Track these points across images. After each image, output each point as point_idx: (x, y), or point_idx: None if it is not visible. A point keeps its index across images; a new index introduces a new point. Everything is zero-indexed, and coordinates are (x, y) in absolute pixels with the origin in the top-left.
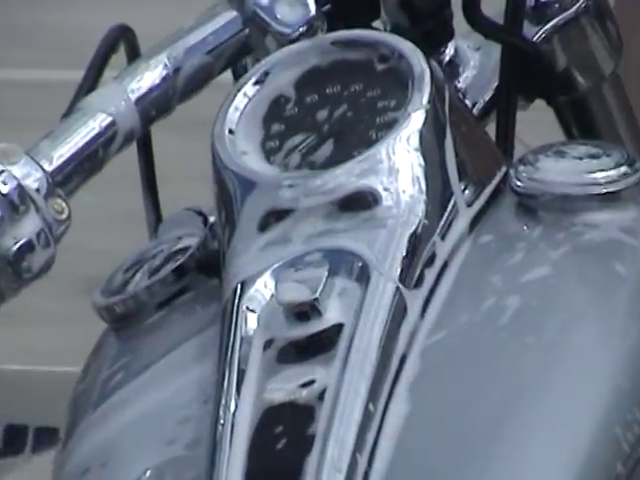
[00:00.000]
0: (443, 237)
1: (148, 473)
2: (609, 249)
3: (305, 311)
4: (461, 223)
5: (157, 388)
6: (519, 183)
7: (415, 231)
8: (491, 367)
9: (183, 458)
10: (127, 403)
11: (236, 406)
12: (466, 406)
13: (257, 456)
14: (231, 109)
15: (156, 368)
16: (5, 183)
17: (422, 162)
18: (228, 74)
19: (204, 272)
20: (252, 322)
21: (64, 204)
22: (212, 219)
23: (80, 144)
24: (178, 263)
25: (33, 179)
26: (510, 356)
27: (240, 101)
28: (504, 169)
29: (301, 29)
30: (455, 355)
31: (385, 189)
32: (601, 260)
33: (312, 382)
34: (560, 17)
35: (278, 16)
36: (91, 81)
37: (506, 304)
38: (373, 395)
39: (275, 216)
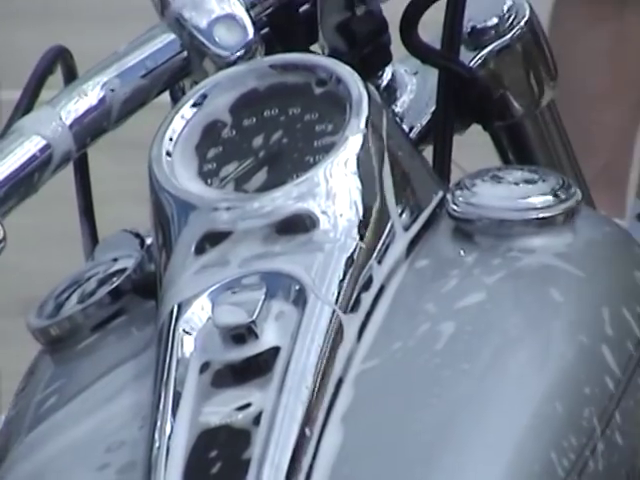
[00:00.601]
0: (380, 261)
1: None
2: (544, 275)
3: (242, 334)
4: (398, 247)
5: (90, 413)
6: (456, 207)
7: (352, 255)
8: (425, 393)
9: None
10: (59, 429)
11: (172, 429)
12: (401, 433)
13: (192, 479)
14: (168, 131)
15: (90, 392)
16: None
17: (359, 186)
18: (165, 96)
19: (140, 294)
20: (188, 345)
21: (0, 228)
22: (149, 241)
23: (15, 166)
24: (114, 285)
25: None
26: (444, 382)
27: (177, 123)
28: (441, 193)
29: (239, 52)
30: (390, 381)
31: (322, 212)
32: (536, 286)
33: (248, 405)
34: (496, 43)
35: (216, 39)
36: (27, 102)
37: (441, 330)
38: (309, 420)
39: (212, 239)
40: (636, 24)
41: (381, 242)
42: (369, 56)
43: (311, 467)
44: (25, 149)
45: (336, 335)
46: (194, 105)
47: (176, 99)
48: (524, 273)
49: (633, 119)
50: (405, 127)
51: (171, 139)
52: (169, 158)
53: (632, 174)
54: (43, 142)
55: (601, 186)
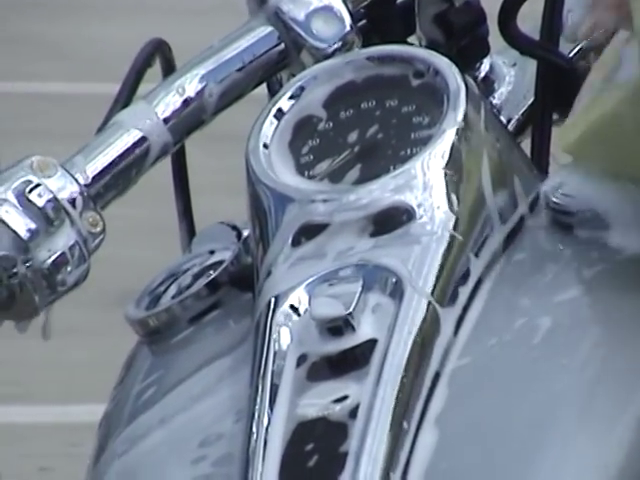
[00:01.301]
0: (477, 254)
1: None
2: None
3: (339, 326)
4: (495, 240)
5: (187, 406)
6: (555, 199)
7: (449, 247)
8: (523, 389)
9: (211, 476)
10: (157, 422)
11: (269, 421)
12: (498, 429)
13: (289, 472)
14: (266, 124)
15: (187, 385)
16: (40, 196)
17: (456, 178)
18: (262, 88)
19: (237, 286)
20: (285, 337)
21: (98, 217)
22: (245, 233)
23: (114, 158)
24: (211, 277)
25: (68, 192)
26: (542, 377)
27: (275, 116)
28: (539, 185)
29: (336, 44)
30: (486, 377)
31: (419, 205)
32: (637, 280)
33: (345, 398)
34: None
35: (314, 31)
36: (126, 95)
37: (538, 324)
38: (406, 413)
39: (309, 231)
40: None
41: (478, 235)
42: (467, 48)
43: (408, 461)
44: (124, 142)
45: (433, 328)
46: (291, 97)
47: (273, 92)
48: (623, 267)
49: None
50: (503, 119)
51: (268, 131)
52: (266, 151)
53: None
54: (140, 135)
55: None
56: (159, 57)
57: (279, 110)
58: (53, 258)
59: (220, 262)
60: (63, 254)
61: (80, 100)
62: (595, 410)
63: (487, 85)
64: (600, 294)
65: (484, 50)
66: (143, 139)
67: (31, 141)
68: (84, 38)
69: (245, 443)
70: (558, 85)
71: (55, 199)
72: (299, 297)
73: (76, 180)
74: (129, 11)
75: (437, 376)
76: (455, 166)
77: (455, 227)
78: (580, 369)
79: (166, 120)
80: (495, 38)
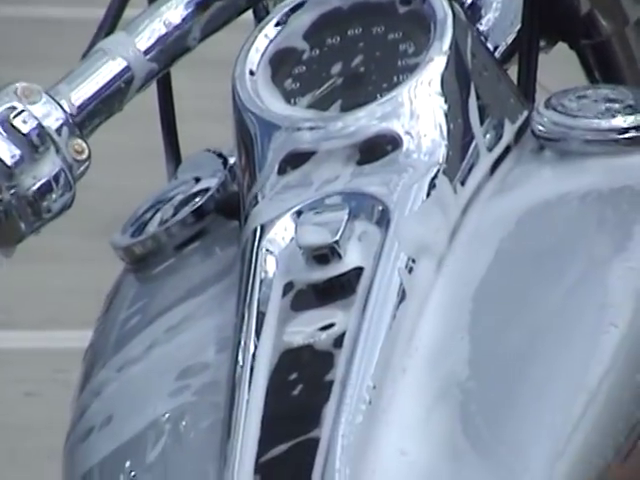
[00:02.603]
0: (463, 182)
1: (151, 424)
2: (630, 196)
3: (325, 254)
4: (482, 167)
5: (173, 335)
6: (541, 127)
7: (435, 175)
8: (511, 311)
9: (193, 404)
10: (142, 352)
11: (255, 349)
12: (488, 351)
13: (275, 400)
14: (252, 50)
15: (172, 314)
16: (25, 122)
17: (443, 106)
18: (248, 14)
19: (223, 214)
20: (271, 265)
21: (84, 144)
22: (232, 160)
23: (99, 85)
24: (197, 205)
25: (53, 119)
26: (530, 300)
27: (261, 42)
28: (526, 113)
29: None
30: (475, 300)
31: (406, 132)
32: (622, 206)
33: (331, 326)
34: None
35: None
36: (111, 22)
37: (525, 245)
38: (393, 341)
39: (295, 159)
40: None
41: (465, 162)
42: None
43: (394, 386)
44: (108, 69)
45: (420, 248)
46: (277, 24)
47: (260, 18)
48: (608, 193)
49: None
50: (490, 46)
51: (254, 58)
52: (253, 77)
53: None
54: (125, 64)
55: None
56: None
57: (265, 36)
58: (38, 185)
59: (206, 189)
60: (48, 181)
61: (62, 24)
62: (581, 333)
63: (474, 11)
64: (586, 220)
65: None
66: (127, 68)
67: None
68: None
69: (231, 371)
70: (545, 11)
71: (40, 126)
72: (285, 225)
73: (61, 107)
74: None
75: (424, 302)
76: (442, 94)
77: (442, 155)
78: (567, 293)
79: (150, 48)
80: None
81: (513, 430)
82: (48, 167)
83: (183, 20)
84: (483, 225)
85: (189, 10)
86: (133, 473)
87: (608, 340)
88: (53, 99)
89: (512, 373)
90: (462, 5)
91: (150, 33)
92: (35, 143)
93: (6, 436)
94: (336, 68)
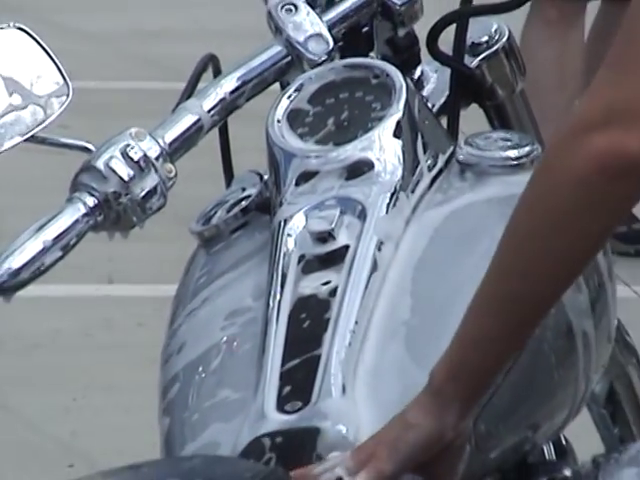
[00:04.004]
0: (413, 191)
1: (213, 346)
2: (513, 198)
3: (324, 237)
4: (424, 182)
5: (227, 289)
6: (462, 157)
7: (395, 186)
8: (448, 269)
9: (239, 334)
10: (206, 300)
11: (280, 297)
12: (431, 288)
13: (292, 330)
14: (279, 107)
15: (225, 276)
16: (136, 153)
17: (400, 142)
18: (276, 85)
19: (260, 211)
20: (291, 244)
21: (173, 167)
22: (266, 177)
23: (181, 130)
24: (243, 206)
25: (154, 151)
26: (458, 260)
27: (284, 102)
28: (452, 147)
29: (324, 57)
30: (423, 264)
31: (377, 159)
32: (510, 205)
33: (328, 282)
34: (487, 52)
35: (309, 49)
36: (190, 89)
37: (450, 232)
38: (369, 292)
39: (306, 176)
40: (574, 44)
41: (414, 178)
42: (406, 59)
43: (369, 322)
44: (187, 120)
45: (386, 235)
46: (295, 90)
47: (283, 87)
48: (504, 198)
49: (571, 102)
50: (429, 104)
51: (280, 112)
52: (279, 124)
53: None
54: (197, 117)
55: None
56: (212, 65)
57: (287, 98)
58: (144, 193)
59: (249, 196)
60: (150, 191)
61: (160, 94)
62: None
63: (419, 83)
64: (488, 209)
65: (417, 61)
66: (198, 120)
67: None
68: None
69: (264, 312)
70: (463, 84)
71: (145, 156)
72: (299, 218)
73: (158, 143)
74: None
75: (387, 270)
76: (399, 135)
77: (399, 174)
78: (477, 262)
79: (212, 108)
80: (424, 54)
81: (441, 349)
82: (150, 182)
83: (235, 90)
84: (424, 221)
85: (238, 83)
86: (203, 375)
87: None
88: (153, 138)
89: (440, 313)
90: (412, 79)
91: (213, 98)
92: (142, 167)
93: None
94: (331, 119)
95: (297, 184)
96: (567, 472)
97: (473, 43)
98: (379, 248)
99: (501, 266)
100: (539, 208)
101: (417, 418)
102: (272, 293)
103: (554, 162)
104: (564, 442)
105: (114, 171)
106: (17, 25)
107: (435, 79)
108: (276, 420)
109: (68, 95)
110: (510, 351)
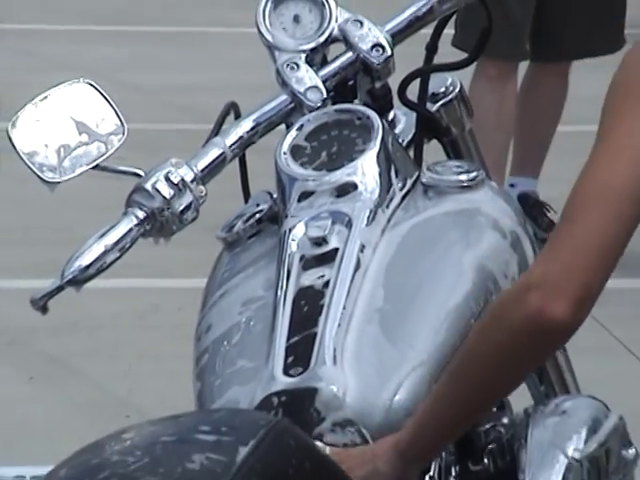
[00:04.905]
0: (387, 206)
1: (234, 325)
2: (464, 213)
3: (320, 241)
4: (396, 200)
5: (244, 282)
6: (424, 180)
7: (375, 202)
8: (411, 265)
9: (253, 317)
10: (228, 291)
11: (286, 287)
12: (406, 279)
13: (295, 314)
14: (284, 143)
15: (246, 271)
16: (175, 177)
17: (378, 169)
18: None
19: (271, 222)
20: (294, 247)
21: (204, 189)
22: (275, 195)
23: (209, 161)
24: (257, 217)
25: (189, 176)
26: (420, 258)
27: (289, 138)
28: (417, 172)
29: (319, 104)
30: (394, 261)
31: (360, 182)
32: (462, 216)
33: (322, 276)
34: (443, 100)
35: (308, 97)
36: (216, 129)
37: (416, 237)
38: (354, 286)
39: (305, 195)
40: (509, 94)
41: (388, 197)
42: (382, 105)
43: (353, 308)
44: (214, 153)
45: (367, 239)
46: (297, 129)
47: (288, 126)
48: (458, 211)
49: (508, 140)
50: (400, 140)
51: (285, 146)
52: (285, 156)
53: (507, 167)
54: (222, 150)
55: (492, 172)
56: (233, 110)
57: (290, 136)
58: (181, 208)
59: (262, 210)
60: (186, 206)
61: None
62: (444, 277)
63: (392, 124)
64: (445, 219)
65: (391, 106)
66: (222, 154)
67: None
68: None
69: (273, 299)
70: (426, 124)
71: (182, 180)
72: (301, 227)
73: (192, 170)
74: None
75: (367, 269)
76: (378, 163)
77: (377, 193)
78: (441, 254)
79: (233, 144)
80: (396, 101)
81: (411, 330)
82: (186, 199)
83: (250, 129)
84: (395, 230)
85: (253, 124)
86: (226, 348)
87: (461, 278)
88: (189, 166)
89: (407, 302)
90: (386, 120)
91: (234, 136)
92: (180, 188)
93: None
94: (324, 151)
95: (299, 201)
96: (505, 420)
97: (433, 93)
98: (361, 250)
99: (457, 369)
100: (485, 341)
101: (386, 469)
102: (279, 285)
103: (501, 310)
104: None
105: (159, 191)
106: (86, 80)
107: (404, 121)
108: (283, 382)
109: (124, 134)
110: (462, 416)
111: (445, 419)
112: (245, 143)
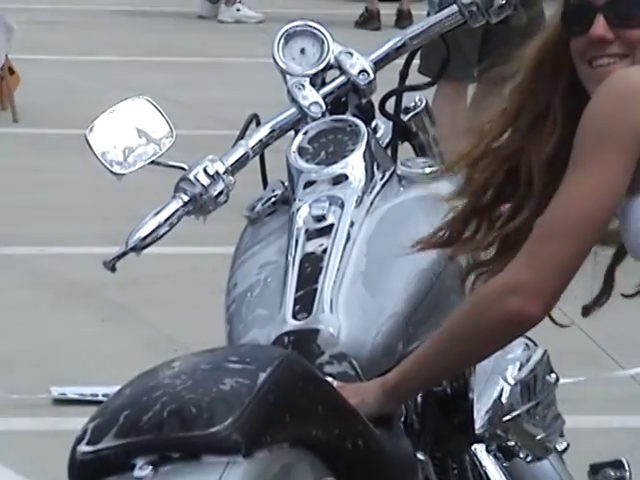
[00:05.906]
0: (370, 192)
1: (254, 282)
2: (429, 196)
3: (320, 218)
4: (377, 188)
5: (262, 249)
6: (399, 172)
7: (362, 189)
8: (386, 240)
9: (269, 276)
10: (250, 256)
11: (295, 252)
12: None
13: (301, 274)
14: (293, 144)
15: (264, 241)
16: (212, 170)
17: (364, 164)
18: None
19: (283, 204)
20: (301, 223)
21: (232, 179)
22: (287, 183)
23: (237, 158)
24: (273, 200)
25: (222, 169)
26: (393, 235)
27: (297, 140)
28: (394, 167)
29: (319, 115)
30: (373, 237)
31: (350, 174)
32: (427, 201)
33: (322, 245)
34: (413, 112)
35: (311, 109)
36: (242, 134)
37: (390, 219)
38: (344, 255)
39: (309, 183)
40: (461, 109)
41: (371, 185)
42: (367, 116)
43: (345, 270)
44: (241, 151)
45: (355, 218)
46: (303, 134)
47: (296, 132)
48: (423, 197)
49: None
50: (380, 142)
51: (295, 147)
52: (294, 153)
53: None
54: (245, 150)
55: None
56: (254, 119)
57: (298, 139)
58: (216, 193)
59: (277, 195)
60: (219, 192)
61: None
62: (410, 263)
63: (375, 130)
64: (411, 204)
65: (373, 117)
66: (245, 153)
67: None
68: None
69: (284, 262)
70: (400, 131)
71: (217, 172)
72: (306, 208)
73: (224, 164)
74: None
75: (354, 242)
76: (364, 160)
77: (364, 182)
78: (413, 228)
79: (254, 147)
80: (377, 113)
81: (387, 287)
82: (219, 187)
83: (268, 134)
84: (376, 211)
85: (269, 130)
86: (249, 299)
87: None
88: (221, 161)
89: (383, 267)
90: (370, 128)
91: (255, 139)
92: (215, 178)
93: None
94: (323, 151)
95: (304, 188)
96: None
97: (405, 107)
98: (351, 226)
99: (438, 345)
100: (465, 328)
101: (372, 401)
102: (289, 251)
103: (482, 307)
104: None
105: (199, 180)
106: (144, 97)
107: (384, 128)
108: (292, 324)
109: (173, 137)
110: (438, 375)
111: (425, 376)
112: (264, 144)
